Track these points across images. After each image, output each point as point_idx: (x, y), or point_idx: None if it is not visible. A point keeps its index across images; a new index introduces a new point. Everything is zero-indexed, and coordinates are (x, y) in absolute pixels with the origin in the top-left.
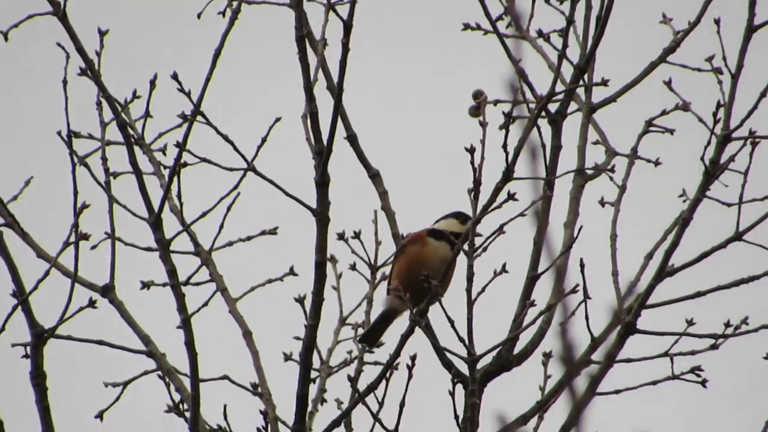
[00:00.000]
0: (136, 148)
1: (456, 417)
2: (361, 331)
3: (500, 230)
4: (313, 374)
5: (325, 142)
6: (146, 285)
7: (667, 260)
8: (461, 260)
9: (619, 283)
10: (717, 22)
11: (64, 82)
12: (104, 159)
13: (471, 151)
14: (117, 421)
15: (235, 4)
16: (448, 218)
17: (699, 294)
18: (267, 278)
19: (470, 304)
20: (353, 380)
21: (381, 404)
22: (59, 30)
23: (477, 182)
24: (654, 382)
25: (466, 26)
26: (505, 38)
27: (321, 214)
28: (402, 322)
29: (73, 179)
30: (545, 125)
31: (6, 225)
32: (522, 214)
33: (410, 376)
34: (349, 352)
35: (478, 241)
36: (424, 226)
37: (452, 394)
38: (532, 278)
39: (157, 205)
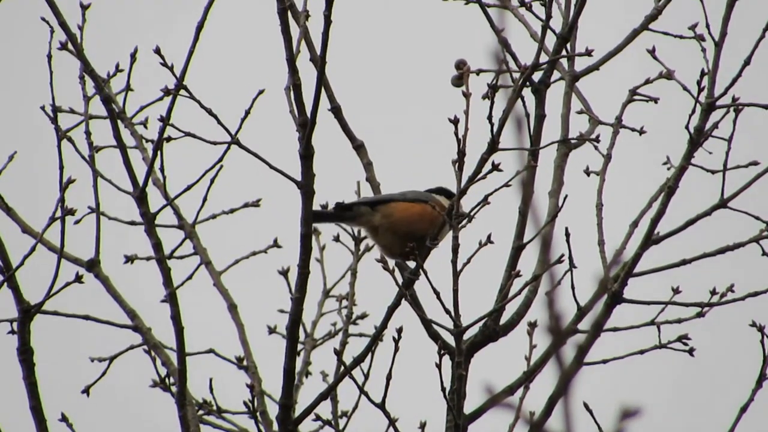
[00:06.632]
0: (119, 122)
1: (443, 389)
2: (345, 303)
3: (485, 201)
4: (298, 347)
5: (308, 115)
6: (130, 259)
7: (653, 228)
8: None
9: (605, 252)
10: None
11: (49, 56)
12: (88, 133)
13: (455, 122)
14: (103, 395)
15: None
16: (440, 195)
17: (685, 262)
18: (251, 251)
19: (455, 275)
20: (339, 353)
21: (367, 377)
22: (41, 4)
23: (461, 153)
24: (641, 351)
25: None
26: (487, 7)
27: (305, 187)
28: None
29: (59, 154)
30: (528, 94)
31: None
32: (507, 185)
33: (396, 349)
34: (334, 324)
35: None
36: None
37: (439, 366)
38: (518, 248)
39: (142, 178)
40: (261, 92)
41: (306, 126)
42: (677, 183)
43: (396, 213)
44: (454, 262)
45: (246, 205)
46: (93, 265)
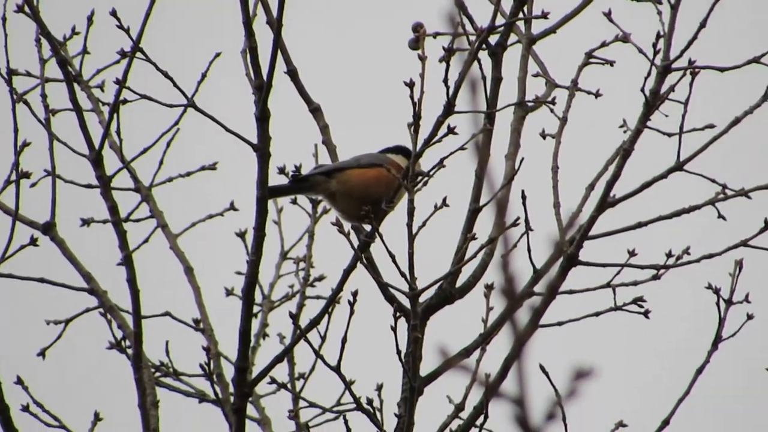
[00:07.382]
0: (75, 85)
1: (398, 351)
2: (303, 265)
3: (441, 164)
4: (255, 309)
5: (265, 77)
6: (86, 222)
7: (609, 191)
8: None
9: (561, 215)
10: None
11: (3, 18)
12: (44, 96)
13: (410, 85)
14: (59, 358)
15: None
16: (398, 155)
17: (640, 224)
18: (207, 214)
19: (411, 238)
20: (295, 316)
21: (323, 339)
22: None
23: (417, 116)
24: (597, 314)
25: None
26: None
27: (262, 150)
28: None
29: (14, 117)
30: (485, 57)
31: None
32: (462, 148)
33: (352, 312)
34: (291, 287)
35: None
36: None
37: (394, 328)
38: (474, 211)
39: (98, 142)
40: (217, 55)
41: (262, 89)
42: (633, 146)
43: (353, 178)
44: (409, 225)
45: (202, 168)
46: (48, 228)
